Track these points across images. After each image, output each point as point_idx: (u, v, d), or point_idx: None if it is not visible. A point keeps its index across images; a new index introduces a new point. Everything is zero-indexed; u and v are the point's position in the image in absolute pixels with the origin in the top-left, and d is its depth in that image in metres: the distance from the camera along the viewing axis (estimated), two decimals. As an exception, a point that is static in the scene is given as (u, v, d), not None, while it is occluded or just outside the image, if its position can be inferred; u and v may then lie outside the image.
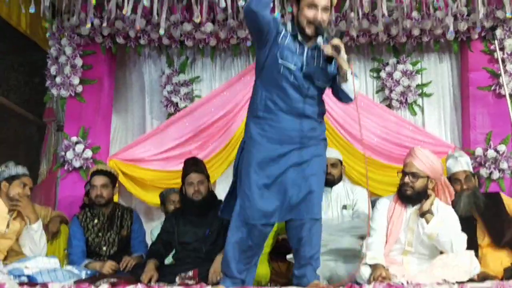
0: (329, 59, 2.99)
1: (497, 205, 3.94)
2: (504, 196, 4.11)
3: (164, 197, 4.87)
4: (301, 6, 3.02)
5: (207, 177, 4.09)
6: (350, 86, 3.05)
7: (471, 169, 4.10)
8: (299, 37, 3.08)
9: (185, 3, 5.04)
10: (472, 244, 3.78)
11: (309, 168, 3.10)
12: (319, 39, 3.05)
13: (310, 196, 3.07)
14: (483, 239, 3.93)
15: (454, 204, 3.88)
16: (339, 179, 4.50)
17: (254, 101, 3.18)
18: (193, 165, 4.07)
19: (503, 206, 3.96)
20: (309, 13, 2.99)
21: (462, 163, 4.05)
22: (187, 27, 5.25)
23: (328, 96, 3.35)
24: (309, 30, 3.03)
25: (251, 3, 2.88)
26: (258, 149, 3.08)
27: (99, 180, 4.36)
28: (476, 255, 3.73)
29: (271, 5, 3.01)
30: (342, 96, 3.17)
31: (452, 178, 4.06)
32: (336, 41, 2.93)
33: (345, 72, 3.01)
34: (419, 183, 3.58)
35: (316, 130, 3.19)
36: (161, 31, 4.95)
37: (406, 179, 3.59)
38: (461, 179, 4.01)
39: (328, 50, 2.95)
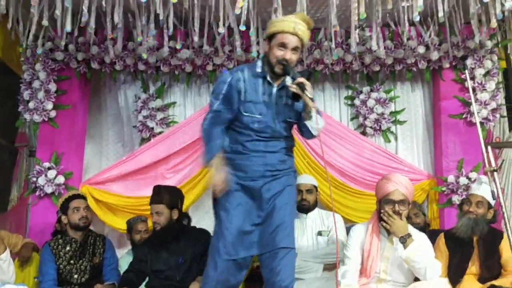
0: (295, 97, 3.05)
1: (494, 243, 3.90)
2: (505, 239, 3.91)
3: (131, 225, 4.82)
4: (271, 45, 3.12)
5: (170, 205, 4.03)
6: (313, 124, 3.14)
7: (490, 199, 3.97)
8: (268, 78, 3.17)
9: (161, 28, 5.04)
10: (460, 270, 3.85)
11: (282, 198, 3.15)
12: (287, 79, 3.13)
13: (283, 225, 3.10)
14: (471, 267, 3.91)
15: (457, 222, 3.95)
16: (314, 205, 4.51)
17: None
18: (154, 195, 4.06)
19: (498, 245, 3.89)
20: (278, 52, 3.08)
21: (482, 189, 3.99)
22: (163, 53, 5.27)
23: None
24: (277, 69, 3.11)
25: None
26: (230, 188, 3.12)
27: (82, 203, 4.31)
28: (459, 280, 3.80)
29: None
30: (305, 131, 3.25)
31: (467, 198, 4.10)
32: (301, 79, 2.99)
33: (310, 109, 3.08)
34: (406, 211, 3.59)
35: (286, 162, 3.26)
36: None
37: (396, 207, 3.55)
38: (473, 202, 3.98)
39: (293, 88, 3.01)
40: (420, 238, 3.62)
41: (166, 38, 4.88)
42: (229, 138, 3.22)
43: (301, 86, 2.98)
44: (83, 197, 4.44)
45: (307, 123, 3.15)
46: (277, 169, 3.19)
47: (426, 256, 3.49)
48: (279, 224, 3.09)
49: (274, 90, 3.18)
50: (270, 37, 3.13)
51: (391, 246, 3.58)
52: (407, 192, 3.59)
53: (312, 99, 3.03)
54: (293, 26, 3.05)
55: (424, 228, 4.51)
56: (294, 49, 3.08)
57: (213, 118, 3.15)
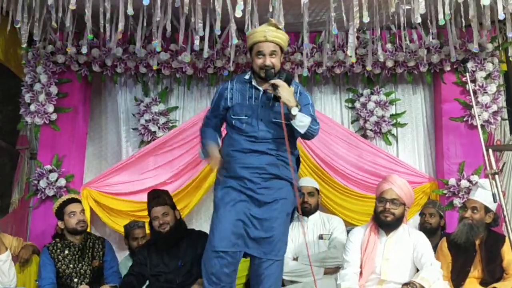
0: (275, 98, 3.25)
1: (496, 247, 3.87)
2: (507, 243, 3.76)
3: (128, 231, 4.81)
4: (252, 55, 3.39)
5: (172, 206, 4.07)
6: (298, 122, 3.25)
7: (487, 203, 3.88)
8: (254, 83, 3.40)
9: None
10: (463, 274, 3.85)
11: (275, 210, 3.29)
12: (266, 84, 3.31)
13: (273, 237, 3.26)
14: (473, 271, 3.89)
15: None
16: (316, 208, 4.51)
17: None
18: (154, 198, 4.05)
19: (500, 249, 3.86)
20: (258, 60, 3.32)
21: (478, 194, 3.94)
22: (164, 56, 5.27)
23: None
24: (261, 74, 3.34)
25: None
26: (225, 185, 3.35)
27: (78, 207, 4.27)
28: (462, 283, 3.81)
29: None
30: (294, 131, 3.34)
31: (464, 204, 4.09)
32: (273, 80, 3.23)
33: (290, 108, 3.23)
34: (399, 210, 3.63)
35: (279, 168, 3.35)
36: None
37: (387, 205, 3.61)
38: (468, 207, 3.94)
39: (266, 86, 3.30)
40: (415, 236, 3.70)
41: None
42: (226, 143, 3.46)
43: (274, 86, 3.21)
44: (78, 200, 4.37)
45: (292, 122, 3.26)
46: (268, 171, 3.31)
47: (428, 250, 3.62)
48: (270, 235, 3.25)
49: (260, 93, 3.38)
50: (250, 49, 3.40)
51: (391, 247, 3.59)
52: (402, 193, 3.65)
53: (295, 100, 3.22)
54: (263, 34, 3.30)
55: (435, 230, 4.49)
56: (272, 53, 3.30)
57: (204, 123, 3.61)
